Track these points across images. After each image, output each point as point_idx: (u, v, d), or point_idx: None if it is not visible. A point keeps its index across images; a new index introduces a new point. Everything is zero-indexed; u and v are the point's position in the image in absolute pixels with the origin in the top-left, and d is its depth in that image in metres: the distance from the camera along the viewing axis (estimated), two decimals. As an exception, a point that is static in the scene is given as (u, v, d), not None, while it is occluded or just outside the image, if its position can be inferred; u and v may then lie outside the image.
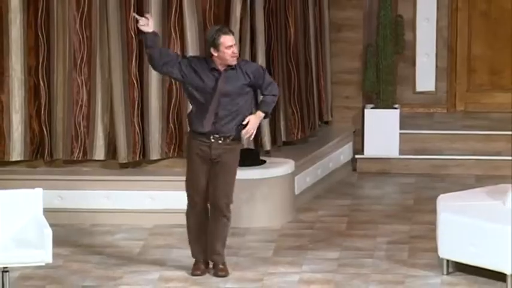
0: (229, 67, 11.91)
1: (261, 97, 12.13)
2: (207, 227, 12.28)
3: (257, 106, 12.04)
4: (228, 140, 12.03)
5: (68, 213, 13.45)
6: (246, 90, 12.00)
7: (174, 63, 11.96)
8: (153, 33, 11.99)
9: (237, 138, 12.07)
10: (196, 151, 12.11)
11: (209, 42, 11.95)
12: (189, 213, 12.27)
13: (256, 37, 14.16)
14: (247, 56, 13.94)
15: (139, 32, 12.28)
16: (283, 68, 14.57)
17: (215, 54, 11.88)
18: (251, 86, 12.02)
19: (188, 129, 12.33)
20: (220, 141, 12.01)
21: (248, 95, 11.99)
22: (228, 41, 11.83)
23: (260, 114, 11.98)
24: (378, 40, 15.44)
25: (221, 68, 11.92)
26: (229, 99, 11.92)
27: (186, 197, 12.25)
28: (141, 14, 13.34)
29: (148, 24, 11.91)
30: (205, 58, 12.09)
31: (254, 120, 11.94)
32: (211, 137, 12.02)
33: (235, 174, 12.23)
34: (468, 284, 12.02)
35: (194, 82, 11.93)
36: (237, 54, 12.00)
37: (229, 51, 11.85)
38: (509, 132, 15.29)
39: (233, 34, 12.11)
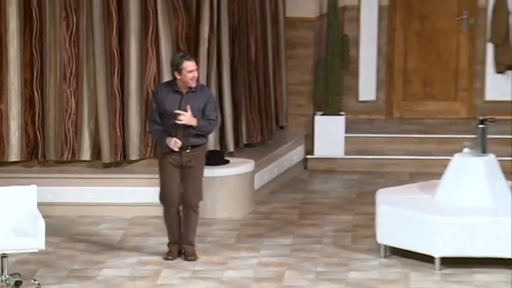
0: (190, 89, 12.06)
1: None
2: (179, 221, 12.39)
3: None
4: (194, 149, 12.20)
5: (59, 207, 13.52)
6: (204, 109, 12.13)
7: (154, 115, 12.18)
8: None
9: (200, 144, 12.22)
10: (168, 160, 12.20)
11: (173, 67, 12.10)
12: (164, 211, 12.38)
13: (222, 54, 14.22)
14: (214, 69, 14.05)
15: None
16: (245, 80, 14.62)
17: (178, 77, 12.02)
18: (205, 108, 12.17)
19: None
20: (188, 150, 12.14)
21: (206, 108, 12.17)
22: (189, 66, 11.97)
23: (194, 121, 11.99)
24: (327, 56, 15.51)
25: (183, 90, 12.06)
26: (195, 113, 12.08)
27: (160, 201, 12.38)
28: (123, 37, 13.74)
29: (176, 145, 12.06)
30: (170, 82, 12.28)
31: (189, 118, 11.96)
32: (180, 149, 12.18)
33: (202, 175, 12.36)
34: (402, 265, 12.15)
35: (162, 109, 12.07)
36: (196, 78, 12.09)
37: (190, 75, 11.98)
38: (439, 136, 15.42)
39: (196, 61, 12.31)
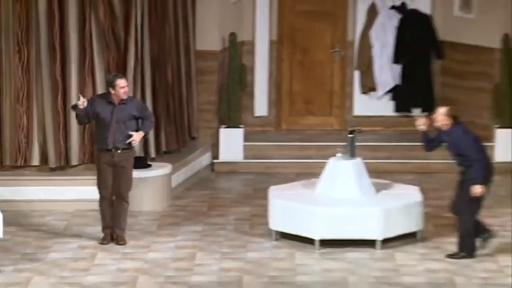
0: (122, 101, 12.04)
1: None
2: (112, 210, 12.33)
3: (140, 128, 12.14)
4: (124, 151, 12.18)
5: (14, 203, 13.34)
6: (133, 118, 12.11)
7: (86, 113, 12.08)
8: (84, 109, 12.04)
9: (129, 147, 12.19)
10: (104, 160, 12.18)
11: (108, 83, 12.12)
12: (100, 202, 12.32)
13: (145, 79, 14.17)
14: (139, 91, 13.99)
15: (74, 107, 12.29)
16: (163, 100, 14.54)
17: (112, 92, 12.01)
18: (138, 117, 12.15)
19: (96, 146, 12.40)
20: (119, 151, 12.13)
21: (134, 120, 12.13)
22: (122, 83, 11.99)
23: (142, 133, 12.13)
24: (229, 81, 15.46)
25: (116, 101, 12.04)
26: (122, 123, 12.04)
27: (98, 192, 12.30)
28: (65, 66, 13.60)
29: (84, 104, 12.00)
30: (104, 94, 12.24)
31: (138, 135, 12.05)
32: (112, 150, 12.16)
33: (131, 172, 12.34)
34: (289, 246, 12.22)
35: (96, 114, 12.03)
36: (127, 93, 12.10)
37: (122, 90, 11.99)
38: (318, 143, 15.42)
39: (126, 79, 12.26)
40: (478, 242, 11.82)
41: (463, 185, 11.72)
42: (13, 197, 13.40)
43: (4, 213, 11.58)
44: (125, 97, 12.07)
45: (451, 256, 11.79)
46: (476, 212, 11.75)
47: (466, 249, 11.78)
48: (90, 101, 12.23)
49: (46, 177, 13.79)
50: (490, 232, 11.88)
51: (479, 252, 11.79)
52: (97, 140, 12.33)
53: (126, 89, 12.10)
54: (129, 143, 12.12)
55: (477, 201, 11.68)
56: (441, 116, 11.62)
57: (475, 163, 11.54)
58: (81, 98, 12.11)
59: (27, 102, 13.89)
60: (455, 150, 11.70)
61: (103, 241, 12.37)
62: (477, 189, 11.58)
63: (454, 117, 11.70)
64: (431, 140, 11.99)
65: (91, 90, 13.85)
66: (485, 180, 11.62)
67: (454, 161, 11.82)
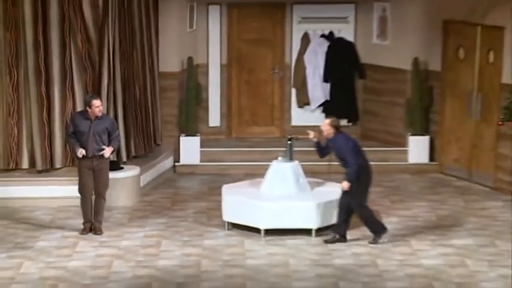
0: (97, 117, 12.09)
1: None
2: (91, 207, 12.33)
3: (110, 142, 12.22)
4: (101, 157, 12.19)
5: (6, 200, 13.29)
6: (106, 132, 12.18)
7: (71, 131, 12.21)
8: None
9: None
10: (84, 165, 12.20)
11: (86, 103, 12.22)
12: (82, 200, 12.31)
13: (117, 96, 14.10)
14: (112, 106, 13.94)
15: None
16: (132, 113, 14.48)
17: (89, 110, 12.07)
18: (109, 132, 12.21)
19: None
20: (96, 158, 12.16)
21: (107, 133, 12.17)
22: (97, 103, 12.07)
23: (112, 148, 12.21)
24: (187, 97, 15.42)
25: (92, 118, 12.09)
26: (98, 135, 12.08)
27: (79, 192, 12.30)
28: (49, 85, 13.59)
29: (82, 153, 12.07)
30: (82, 111, 12.32)
31: (109, 150, 12.13)
32: (92, 157, 12.17)
33: (108, 174, 12.35)
34: (239, 235, 12.25)
35: (76, 128, 12.10)
36: (102, 110, 12.18)
37: (97, 109, 12.05)
38: (262, 149, 15.40)
39: (100, 99, 12.36)
40: (332, 234, 11.99)
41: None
42: (5, 195, 13.32)
43: (-1, 209, 11.64)
44: (99, 114, 12.14)
45: (373, 242, 11.94)
46: (364, 200, 11.85)
47: (377, 231, 11.90)
48: (72, 119, 12.41)
49: (34, 178, 13.73)
50: (386, 229, 11.99)
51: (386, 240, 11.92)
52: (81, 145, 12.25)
53: (101, 107, 12.18)
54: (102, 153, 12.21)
55: (358, 193, 11.78)
56: (326, 126, 11.84)
57: (350, 165, 11.73)
58: (82, 151, 12.18)
59: (17, 116, 13.82)
60: (338, 154, 11.92)
61: (83, 232, 12.35)
62: (344, 185, 11.80)
63: (336, 127, 11.90)
64: (324, 148, 12.18)
65: (71, 105, 13.83)
66: (352, 179, 11.72)
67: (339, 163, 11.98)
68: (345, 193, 11.88)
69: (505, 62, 14.01)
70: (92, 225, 12.38)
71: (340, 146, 11.75)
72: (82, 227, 12.43)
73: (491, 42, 14.31)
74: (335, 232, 12.00)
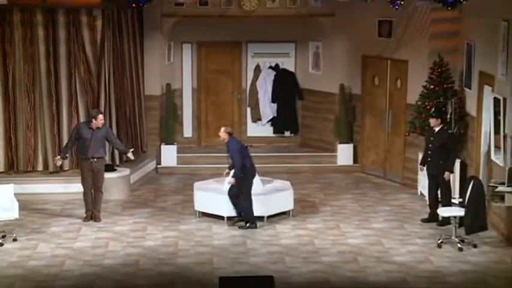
0: (97, 128, 11.83)
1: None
2: (91, 198, 12.08)
3: (118, 149, 12.31)
4: (97, 159, 11.93)
5: (25, 195, 12.80)
6: (104, 139, 11.97)
7: (72, 140, 12.05)
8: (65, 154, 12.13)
9: (102, 157, 11.97)
10: (85, 166, 11.98)
11: (92, 116, 12.02)
12: (84, 194, 12.07)
13: (111, 114, 13.87)
14: (107, 122, 13.59)
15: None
16: (124, 127, 14.25)
17: (94, 121, 11.84)
18: (106, 138, 12.02)
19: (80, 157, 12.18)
20: (95, 160, 11.90)
21: (104, 140, 11.99)
22: (100, 117, 11.92)
23: (130, 149, 12.33)
24: (166, 114, 15.18)
25: (94, 128, 11.86)
26: (97, 142, 11.85)
27: (82, 187, 12.09)
28: (58, 105, 13.32)
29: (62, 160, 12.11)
30: (86, 122, 12.11)
31: (130, 152, 12.25)
32: (91, 159, 11.90)
33: (103, 173, 12.12)
34: (208, 221, 12.07)
35: (79, 136, 11.89)
36: (103, 122, 11.96)
37: (100, 122, 11.86)
38: (225, 154, 14.85)
39: (102, 113, 12.16)
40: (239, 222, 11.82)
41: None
42: (25, 191, 12.98)
43: (19, 202, 11.37)
44: (101, 126, 11.95)
45: (242, 227, 11.63)
46: (248, 193, 11.69)
47: (250, 220, 11.75)
48: (77, 128, 12.14)
49: (47, 178, 13.49)
50: (255, 224, 11.75)
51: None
52: (81, 153, 12.09)
53: (103, 121, 12.07)
54: (103, 156, 12.01)
55: (243, 188, 11.68)
56: (222, 133, 11.86)
57: (235, 164, 11.74)
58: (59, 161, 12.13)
59: (33, 129, 13.59)
60: (230, 155, 11.87)
61: (85, 219, 12.13)
62: (230, 180, 11.74)
63: (229, 133, 11.86)
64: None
65: (76, 120, 13.57)
66: (237, 176, 11.65)
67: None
68: (232, 187, 11.72)
69: (409, 87, 14.04)
70: (92, 213, 12.13)
71: (230, 148, 11.67)
72: (84, 215, 12.21)
73: (398, 73, 14.33)
74: (240, 220, 11.84)
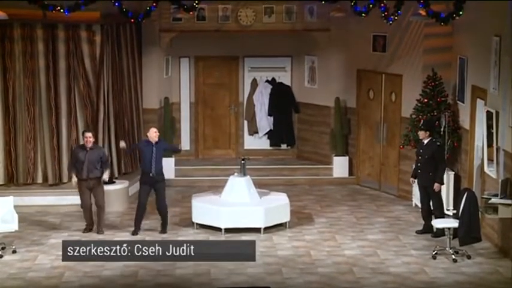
0: (91, 149, 11.97)
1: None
2: (91, 215, 12.07)
3: (102, 167, 12.09)
4: (94, 179, 11.95)
5: (24, 207, 12.78)
6: (99, 159, 12.00)
7: (73, 161, 12.07)
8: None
9: (98, 177, 12.01)
10: (83, 186, 12.03)
11: (83, 136, 12.18)
12: (83, 211, 12.10)
13: (110, 127, 13.90)
14: (106, 135, 13.74)
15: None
16: (123, 140, 14.02)
17: (84, 140, 12.02)
18: (101, 160, 12.04)
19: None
20: (91, 180, 11.94)
21: (99, 162, 12.03)
22: (88, 135, 12.04)
23: (106, 172, 12.10)
24: (164, 127, 15.12)
25: (87, 148, 11.96)
26: (91, 163, 11.94)
27: (81, 205, 12.11)
28: (58, 119, 13.34)
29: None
30: (81, 144, 12.20)
31: (106, 174, 12.09)
32: (87, 179, 11.89)
33: (103, 190, 12.14)
34: (205, 232, 12.06)
35: (75, 157, 12.01)
36: (90, 141, 11.98)
37: (88, 139, 11.99)
38: (222, 167, 15.07)
39: (93, 132, 12.42)
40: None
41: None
42: (24, 203, 12.97)
43: (19, 214, 11.35)
44: (89, 145, 11.96)
45: (162, 232, 11.99)
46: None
47: (167, 225, 12.04)
48: (72, 151, 12.33)
49: (46, 190, 13.48)
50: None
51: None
52: (78, 173, 12.03)
53: (89, 139, 11.98)
54: (100, 176, 12.03)
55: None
56: (156, 132, 12.06)
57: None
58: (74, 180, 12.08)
59: (33, 142, 13.59)
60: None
61: (84, 231, 12.12)
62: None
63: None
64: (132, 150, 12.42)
65: (75, 134, 13.61)
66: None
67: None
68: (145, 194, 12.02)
69: (403, 100, 14.09)
70: (91, 227, 12.11)
71: (164, 148, 11.98)
72: (83, 227, 12.22)
73: (393, 86, 14.38)
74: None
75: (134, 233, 11.99)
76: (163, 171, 12.19)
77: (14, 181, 13.59)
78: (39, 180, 13.62)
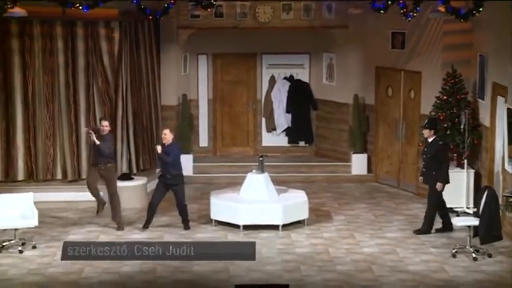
0: (102, 136, 11.91)
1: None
2: (97, 191, 12.07)
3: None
4: (103, 166, 11.94)
5: (45, 203, 12.83)
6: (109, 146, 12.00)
7: None
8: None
9: (107, 164, 11.93)
10: (92, 170, 12.03)
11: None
12: (90, 191, 12.10)
13: (129, 123, 13.93)
14: (125, 132, 13.76)
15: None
16: (141, 136, 14.24)
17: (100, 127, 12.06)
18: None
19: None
20: (100, 167, 11.95)
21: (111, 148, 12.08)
22: (104, 123, 12.06)
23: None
24: (182, 124, 15.18)
25: (103, 134, 11.94)
26: (104, 148, 11.87)
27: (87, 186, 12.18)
28: (77, 116, 13.45)
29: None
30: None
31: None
32: (97, 165, 11.92)
33: (113, 178, 12.13)
34: (223, 230, 12.04)
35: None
36: (109, 129, 12.06)
37: (103, 128, 12.00)
38: (240, 164, 15.08)
39: (107, 120, 12.23)
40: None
41: None
42: (44, 199, 12.98)
43: (38, 210, 11.41)
44: (103, 133, 11.94)
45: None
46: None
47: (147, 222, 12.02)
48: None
49: (65, 186, 13.53)
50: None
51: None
52: (90, 159, 12.22)
53: (108, 127, 12.00)
54: (111, 164, 12.00)
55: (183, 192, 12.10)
56: (168, 134, 11.88)
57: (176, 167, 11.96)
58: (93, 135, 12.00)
59: (52, 139, 13.66)
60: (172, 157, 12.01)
61: (98, 211, 12.16)
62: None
63: (174, 136, 12.07)
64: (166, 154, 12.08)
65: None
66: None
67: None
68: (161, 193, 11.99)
69: (423, 98, 14.02)
70: (102, 204, 12.09)
71: (173, 151, 11.89)
72: (102, 222, 12.25)
73: (412, 83, 14.30)
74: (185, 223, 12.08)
75: (143, 227, 11.99)
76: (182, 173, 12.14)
77: (34, 177, 13.66)
78: (59, 176, 13.68)
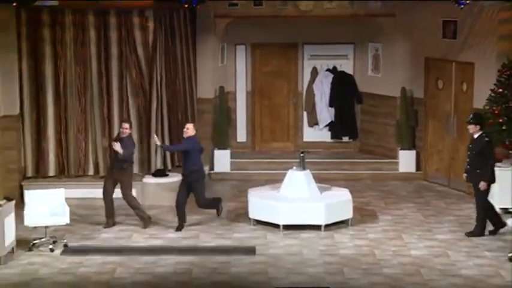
0: (121, 139, 11.94)
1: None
2: (111, 206, 12.13)
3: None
4: (118, 170, 11.97)
5: (77, 199, 12.92)
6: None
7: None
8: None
9: (122, 168, 11.97)
10: (108, 173, 12.18)
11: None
12: (104, 199, 12.12)
13: (163, 117, 13.93)
14: (159, 126, 13.76)
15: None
16: (176, 131, 14.13)
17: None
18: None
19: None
20: (115, 170, 12.02)
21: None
22: (124, 125, 12.02)
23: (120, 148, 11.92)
24: (219, 118, 15.11)
25: (122, 137, 12.04)
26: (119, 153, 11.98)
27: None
28: (109, 108, 13.51)
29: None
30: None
31: (118, 146, 11.93)
32: (113, 168, 12.01)
33: (128, 182, 12.07)
34: (262, 229, 11.98)
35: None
36: (125, 133, 12.04)
37: (123, 130, 12.03)
38: (280, 160, 15.05)
39: (128, 122, 12.23)
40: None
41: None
42: (76, 196, 13.04)
43: (70, 207, 11.43)
44: (123, 135, 12.01)
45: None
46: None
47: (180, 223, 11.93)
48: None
49: (98, 182, 13.34)
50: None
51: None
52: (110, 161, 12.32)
53: (128, 130, 12.03)
54: (125, 168, 12.00)
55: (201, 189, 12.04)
56: (190, 129, 11.91)
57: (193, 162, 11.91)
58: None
59: (84, 133, 13.71)
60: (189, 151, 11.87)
61: (106, 226, 12.10)
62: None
63: (196, 130, 12.08)
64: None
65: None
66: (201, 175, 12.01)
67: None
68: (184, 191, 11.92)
69: (475, 90, 13.80)
70: (111, 221, 12.07)
71: (192, 145, 11.83)
72: (137, 223, 12.21)
73: (464, 75, 14.10)
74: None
75: (177, 229, 11.92)
76: (203, 168, 12.11)
77: (65, 173, 13.74)
78: (91, 172, 13.73)
